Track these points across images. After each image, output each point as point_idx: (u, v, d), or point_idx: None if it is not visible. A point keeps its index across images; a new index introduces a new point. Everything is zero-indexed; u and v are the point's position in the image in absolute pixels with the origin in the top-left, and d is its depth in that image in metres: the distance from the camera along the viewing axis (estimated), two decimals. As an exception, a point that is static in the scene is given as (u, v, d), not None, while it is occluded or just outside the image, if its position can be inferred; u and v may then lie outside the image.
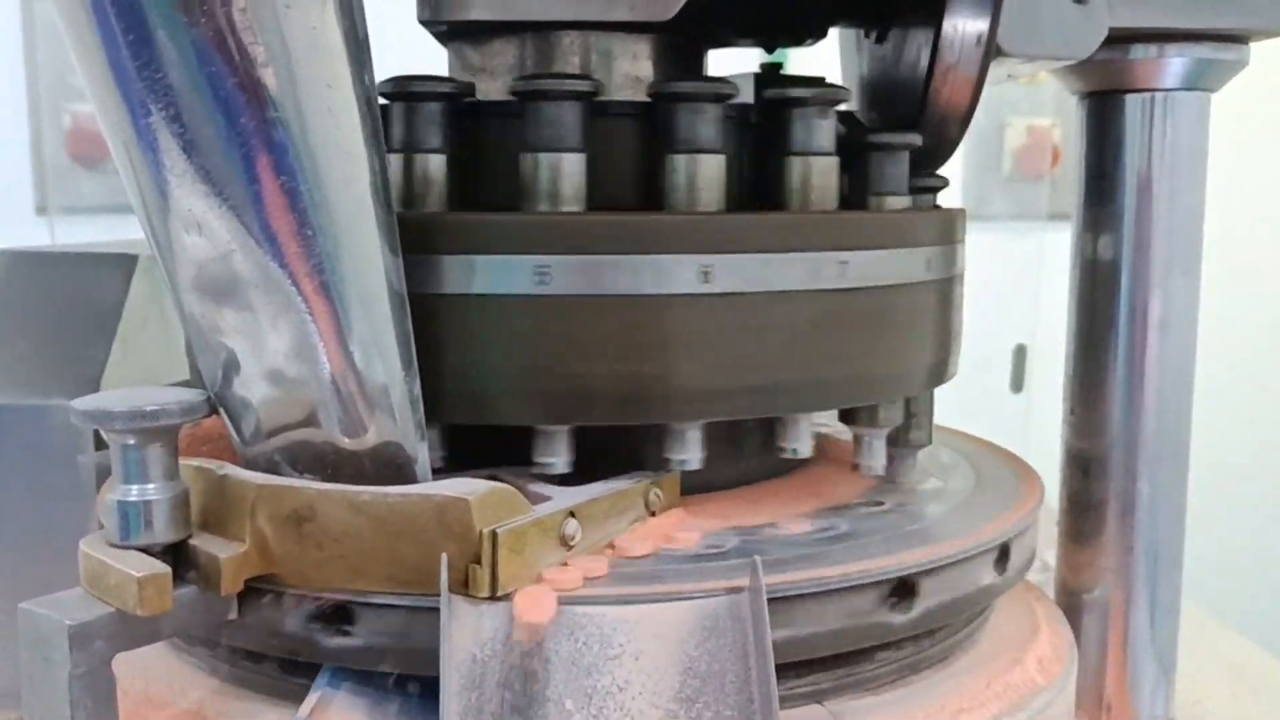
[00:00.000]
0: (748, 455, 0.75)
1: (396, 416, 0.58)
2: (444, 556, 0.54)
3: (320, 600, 0.58)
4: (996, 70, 0.74)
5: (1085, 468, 0.85)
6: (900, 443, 0.76)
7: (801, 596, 0.59)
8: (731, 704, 0.53)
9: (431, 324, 0.61)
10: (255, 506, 0.57)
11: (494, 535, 0.55)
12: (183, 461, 0.59)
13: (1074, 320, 0.86)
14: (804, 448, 0.69)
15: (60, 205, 2.57)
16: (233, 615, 0.59)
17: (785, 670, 0.52)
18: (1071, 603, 0.86)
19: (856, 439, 0.74)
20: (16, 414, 0.85)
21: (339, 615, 0.58)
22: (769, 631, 0.54)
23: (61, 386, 0.89)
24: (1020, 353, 2.28)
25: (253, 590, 0.59)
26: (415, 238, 0.60)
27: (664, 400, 0.64)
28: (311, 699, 0.59)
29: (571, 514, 0.60)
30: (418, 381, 0.59)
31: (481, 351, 0.62)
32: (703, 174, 0.65)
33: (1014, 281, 2.51)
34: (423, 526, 0.56)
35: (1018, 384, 2.51)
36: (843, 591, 0.60)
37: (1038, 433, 1.20)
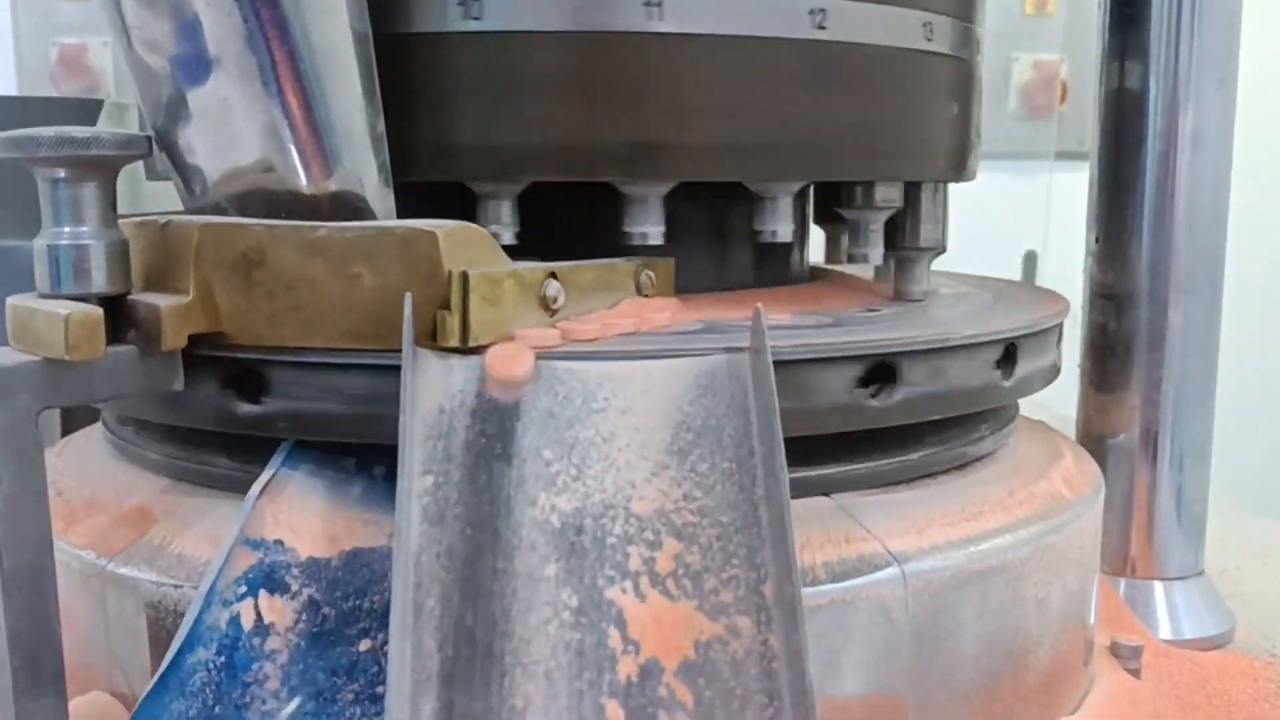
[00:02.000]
0: (748, 259, 0.69)
1: (357, 152, 0.52)
2: (408, 296, 0.49)
3: (269, 359, 0.52)
4: None
5: (1110, 302, 0.80)
6: (908, 244, 0.69)
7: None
8: (729, 456, 0.47)
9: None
10: (199, 250, 0.51)
11: (464, 277, 0.49)
12: (122, 220, 0.53)
13: (1100, 146, 0.80)
14: (783, 229, 0.63)
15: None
16: (178, 385, 0.54)
17: (793, 458, 0.47)
18: (1095, 449, 0.80)
19: (851, 227, 0.67)
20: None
21: (290, 377, 0.53)
22: (774, 389, 0.48)
23: (27, 229, 0.84)
24: (1030, 259, 2.21)
25: (199, 359, 0.54)
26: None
27: (612, 156, 0.58)
28: (264, 477, 0.54)
29: (554, 276, 0.54)
30: (381, 119, 0.53)
31: (421, 95, 0.56)
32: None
33: (1018, 226, 2.43)
34: (384, 266, 0.50)
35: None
36: (809, 364, 0.54)
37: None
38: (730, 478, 0.47)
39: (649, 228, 0.60)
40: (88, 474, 0.65)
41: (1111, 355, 0.80)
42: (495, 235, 0.57)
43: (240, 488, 0.55)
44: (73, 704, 0.52)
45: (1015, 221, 2.43)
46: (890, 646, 0.55)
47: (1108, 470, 0.79)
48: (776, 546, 0.44)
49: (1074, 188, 0.86)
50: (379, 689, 0.48)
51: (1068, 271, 0.85)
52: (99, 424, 0.74)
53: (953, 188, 0.74)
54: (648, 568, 0.44)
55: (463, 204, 0.59)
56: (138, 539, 0.57)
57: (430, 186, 0.59)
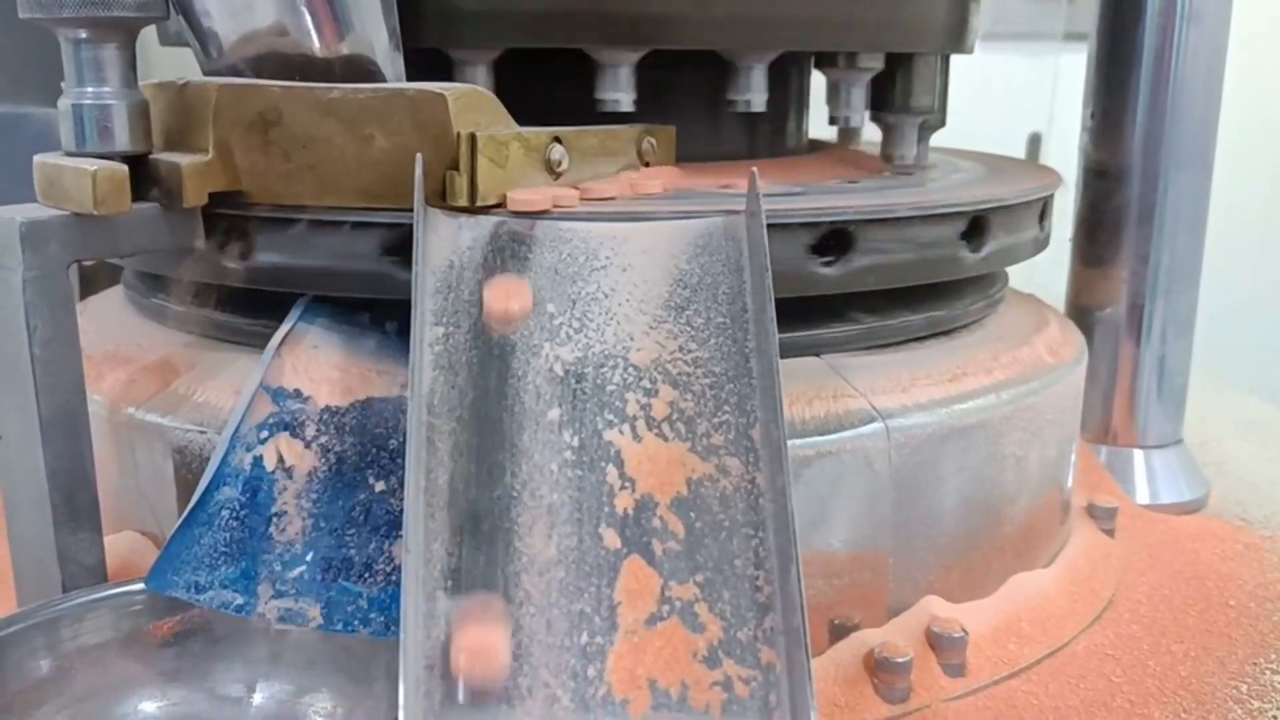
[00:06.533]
0: (740, 130, 0.71)
1: (368, 16, 0.54)
2: (419, 156, 0.51)
3: (289, 218, 0.55)
4: None
5: (1103, 178, 0.81)
6: (897, 107, 0.71)
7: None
8: (724, 311, 0.50)
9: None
10: (218, 110, 0.53)
11: (473, 138, 0.52)
12: (142, 84, 0.55)
13: (1099, 22, 0.81)
14: (757, 99, 0.64)
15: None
16: (199, 242, 0.56)
17: (784, 319, 0.49)
18: (1082, 322, 0.83)
19: (831, 89, 0.68)
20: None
21: (307, 234, 0.55)
22: (767, 249, 0.51)
23: (39, 94, 0.86)
24: (1034, 141, 2.21)
25: (219, 217, 0.56)
26: None
27: (583, 23, 0.59)
28: (283, 329, 0.56)
29: (558, 140, 0.56)
30: (393, -18, 0.54)
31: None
32: None
33: (1024, 108, 2.41)
34: (396, 126, 0.52)
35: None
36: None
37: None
38: (724, 331, 0.49)
39: (620, 94, 0.61)
40: (110, 331, 0.67)
41: (1102, 230, 0.82)
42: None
43: (259, 342, 0.58)
44: (107, 541, 0.56)
45: (1021, 104, 2.42)
46: (873, 498, 0.58)
47: (1094, 342, 0.82)
48: (765, 394, 0.47)
49: (1081, 70, 0.86)
50: (394, 523, 0.51)
51: (1072, 154, 0.86)
52: (116, 288, 0.77)
53: (960, 70, 0.75)
54: (644, 412, 0.47)
55: (444, 71, 0.61)
56: (163, 389, 0.60)
57: (412, 54, 0.60)
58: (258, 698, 0.54)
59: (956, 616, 0.60)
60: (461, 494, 0.44)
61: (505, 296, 0.50)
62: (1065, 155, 0.88)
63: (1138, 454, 0.84)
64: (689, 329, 0.50)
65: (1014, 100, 2.33)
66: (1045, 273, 0.84)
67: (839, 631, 0.59)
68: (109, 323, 0.69)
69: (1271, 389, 1.11)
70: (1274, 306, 1.79)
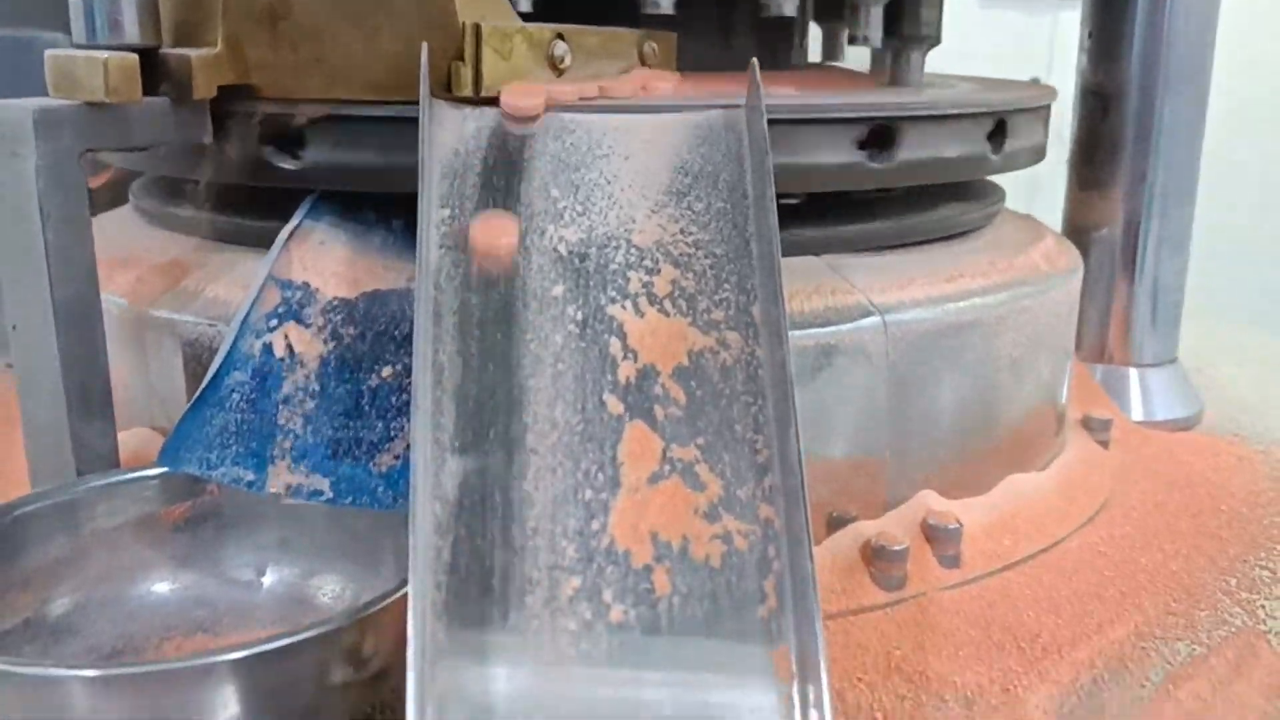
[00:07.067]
0: (750, 43, 0.72)
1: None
2: (424, 46, 0.51)
3: (298, 112, 0.56)
4: None
5: (1100, 98, 0.82)
6: (908, 32, 0.72)
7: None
8: (724, 198, 0.51)
9: None
10: (227, 4, 0.54)
11: (477, 28, 0.52)
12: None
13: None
14: (789, 5, 0.66)
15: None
16: (207, 137, 0.57)
17: (785, 219, 0.50)
18: (1078, 243, 0.84)
19: (852, 9, 0.70)
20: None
21: (314, 128, 0.56)
22: (768, 139, 0.51)
23: (44, 18, 0.86)
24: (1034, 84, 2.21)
25: (228, 114, 0.57)
26: None
27: None
28: (291, 224, 0.57)
29: (561, 37, 0.57)
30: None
31: None
32: None
33: (1023, 63, 2.41)
34: (402, 19, 0.53)
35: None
36: (814, 125, 0.58)
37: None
38: (724, 216, 0.50)
39: None
40: (118, 240, 0.68)
41: (1098, 151, 0.83)
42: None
43: (267, 244, 0.59)
44: (119, 437, 0.57)
45: (1021, 56, 2.42)
46: (870, 393, 0.59)
47: (1090, 263, 0.83)
48: (765, 275, 0.48)
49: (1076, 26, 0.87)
50: (402, 409, 0.53)
51: (1068, 101, 0.86)
52: (123, 207, 0.77)
53: (963, 24, 0.76)
54: (646, 290, 0.48)
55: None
56: (173, 287, 0.61)
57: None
58: (268, 580, 0.55)
59: (952, 510, 0.61)
60: (468, 365, 0.45)
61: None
62: (1061, 103, 0.88)
63: (1133, 372, 0.85)
64: (690, 213, 0.50)
65: (1014, 55, 2.33)
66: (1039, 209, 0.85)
67: (836, 524, 0.60)
68: (116, 233, 0.70)
69: (1266, 320, 1.12)
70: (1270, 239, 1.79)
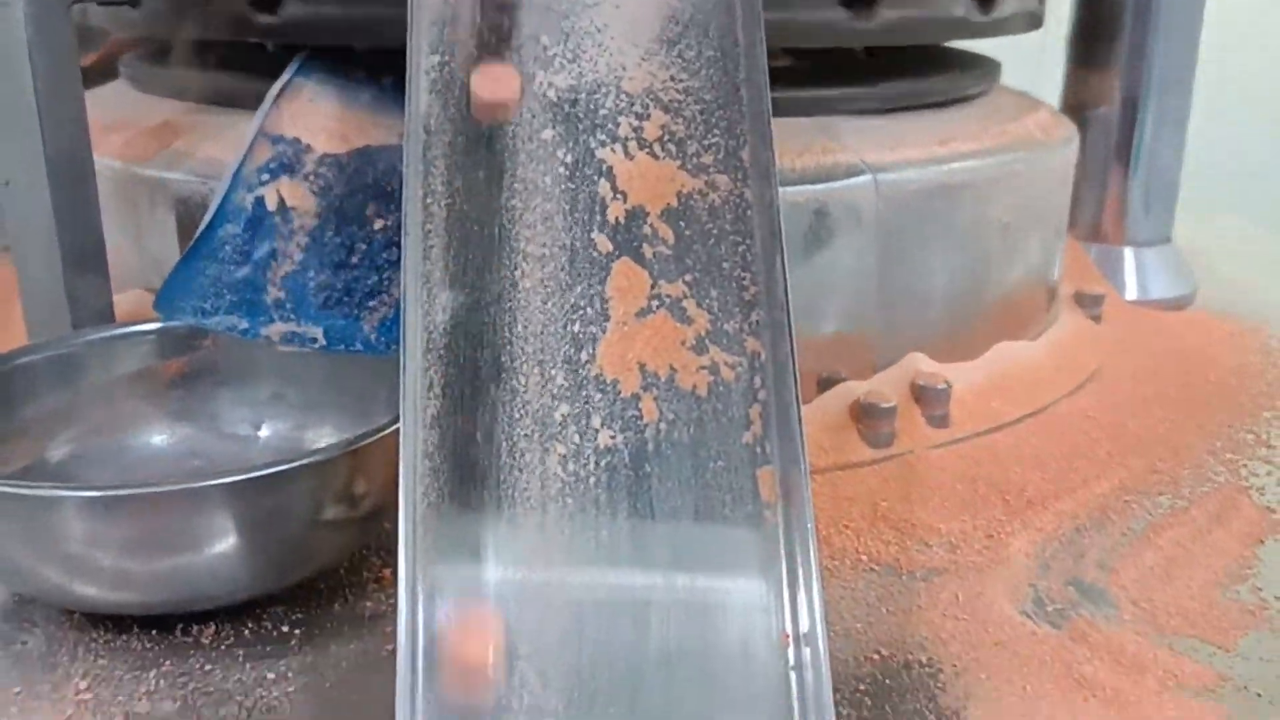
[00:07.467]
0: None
1: None
2: (413, -109, 0.51)
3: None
4: None
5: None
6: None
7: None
8: (715, 45, 0.51)
9: None
10: None
11: (466, -126, 0.52)
12: None
13: None
14: None
15: None
16: (195, -8, 0.57)
17: (777, 80, 0.50)
18: (1076, 120, 0.83)
19: None
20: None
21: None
22: (758, -10, 0.51)
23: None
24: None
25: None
26: None
27: None
28: (281, 80, 0.57)
29: (552, -111, 0.56)
30: None
31: None
32: None
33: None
34: None
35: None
36: None
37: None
38: (715, 63, 0.50)
39: None
40: (109, 107, 0.68)
41: (1098, 27, 0.82)
42: None
43: (257, 106, 0.58)
44: (114, 299, 0.57)
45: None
46: (861, 253, 0.59)
47: (1086, 142, 0.82)
48: (755, 120, 0.48)
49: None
50: (394, 262, 0.53)
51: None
52: (115, 81, 0.77)
53: None
54: (636, 134, 0.48)
55: None
56: (164, 147, 0.61)
57: None
58: (263, 433, 0.56)
59: (941, 373, 0.61)
60: (458, 204, 0.45)
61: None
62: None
63: (1127, 251, 0.85)
64: (680, 60, 0.50)
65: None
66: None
67: (826, 384, 0.60)
68: (107, 100, 0.70)
69: (1260, 211, 1.11)
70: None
